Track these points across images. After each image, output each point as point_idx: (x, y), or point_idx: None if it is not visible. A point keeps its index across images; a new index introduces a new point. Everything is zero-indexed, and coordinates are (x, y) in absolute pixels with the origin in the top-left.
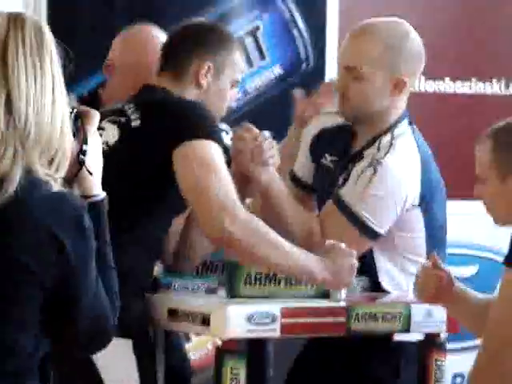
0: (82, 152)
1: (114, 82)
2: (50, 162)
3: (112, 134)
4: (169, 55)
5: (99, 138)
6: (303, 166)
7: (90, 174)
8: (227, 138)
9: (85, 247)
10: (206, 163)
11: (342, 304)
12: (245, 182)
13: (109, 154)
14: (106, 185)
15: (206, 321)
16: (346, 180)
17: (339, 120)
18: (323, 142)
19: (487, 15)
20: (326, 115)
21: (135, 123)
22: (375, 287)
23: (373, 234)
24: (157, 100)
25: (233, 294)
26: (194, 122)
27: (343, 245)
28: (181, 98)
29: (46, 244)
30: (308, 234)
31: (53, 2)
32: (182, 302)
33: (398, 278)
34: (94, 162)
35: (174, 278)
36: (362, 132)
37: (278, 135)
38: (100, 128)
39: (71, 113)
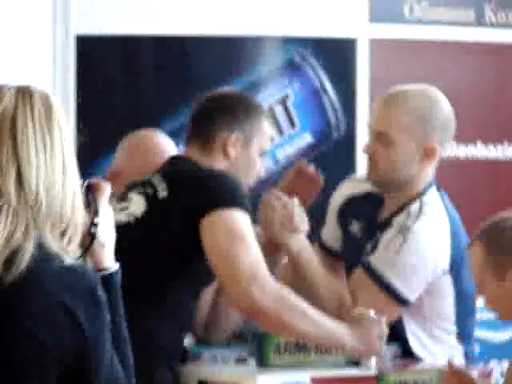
0: (94, 224)
1: (119, 189)
2: (62, 234)
3: (139, 205)
4: (196, 125)
5: (111, 210)
6: (331, 233)
7: (103, 246)
8: None
9: (99, 320)
10: (234, 232)
11: (373, 372)
12: (273, 250)
13: (136, 225)
14: (132, 257)
15: None
16: (374, 247)
17: (367, 187)
18: (351, 209)
19: None
20: (354, 182)
21: (162, 194)
22: (406, 354)
23: (403, 301)
24: (184, 170)
25: (263, 363)
26: (221, 192)
27: (372, 312)
28: (209, 168)
29: (59, 318)
30: (339, 303)
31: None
32: (212, 372)
33: (427, 344)
34: (106, 234)
35: (204, 348)
36: (391, 199)
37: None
38: (127, 199)
39: (82, 184)
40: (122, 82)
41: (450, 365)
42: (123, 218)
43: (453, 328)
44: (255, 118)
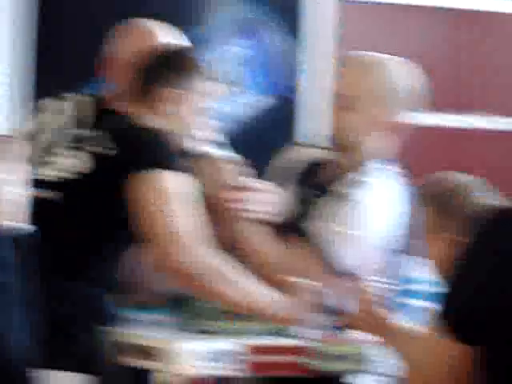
0: None
1: (115, 77)
2: None
3: (70, 160)
4: (133, 80)
5: (27, 168)
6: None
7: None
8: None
9: None
10: (162, 192)
11: (301, 342)
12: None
13: (64, 181)
14: (60, 213)
15: (159, 357)
16: (318, 215)
17: (314, 153)
18: (310, 176)
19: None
20: (303, 148)
21: (95, 149)
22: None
23: (341, 268)
24: (117, 128)
25: (188, 328)
26: (151, 153)
27: (305, 281)
28: (141, 127)
29: None
30: (280, 269)
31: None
32: (138, 336)
33: None
34: (7, 191)
35: (130, 311)
36: (339, 167)
37: (258, 163)
38: (56, 154)
39: None
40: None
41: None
42: (49, 172)
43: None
44: (194, 75)
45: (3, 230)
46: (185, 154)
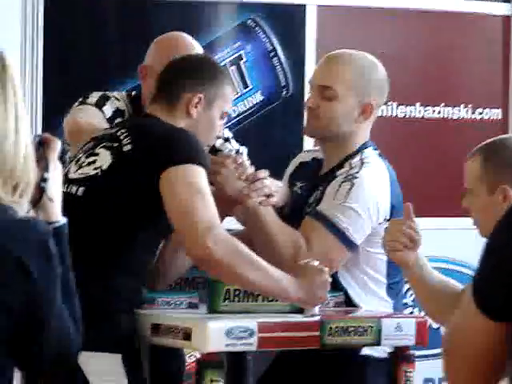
0: (44, 179)
1: (150, 84)
2: (14, 189)
3: (105, 158)
4: (162, 84)
5: (60, 165)
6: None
7: (51, 201)
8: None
9: (51, 272)
10: (193, 186)
11: (316, 319)
12: (226, 205)
13: (102, 178)
14: (98, 207)
15: (187, 336)
16: (319, 200)
17: (316, 154)
18: (298, 173)
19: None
20: (307, 152)
21: (126, 148)
22: (348, 303)
23: (351, 243)
24: (148, 125)
25: (213, 309)
26: (181, 148)
27: (316, 262)
28: (170, 125)
29: (12, 270)
30: (294, 251)
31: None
32: (165, 317)
33: (360, 294)
34: (55, 189)
35: (157, 293)
36: (329, 157)
37: (258, 159)
38: (95, 154)
39: (33, 140)
40: (87, 41)
41: (407, 207)
42: (91, 171)
43: (383, 280)
44: (219, 82)
45: (59, 225)
46: (212, 151)
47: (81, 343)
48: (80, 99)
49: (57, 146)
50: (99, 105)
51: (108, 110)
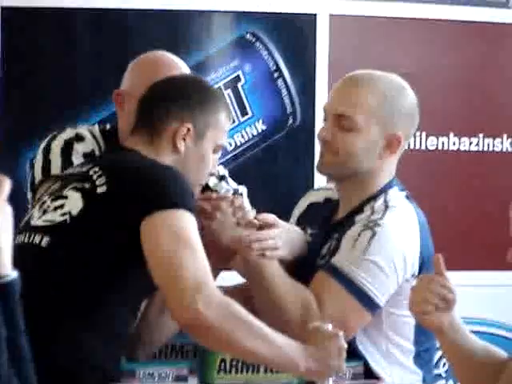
0: None
1: (128, 113)
2: None
3: (75, 203)
4: (144, 112)
5: (9, 210)
6: None
7: None
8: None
9: None
10: (179, 236)
11: None
12: (220, 257)
13: (72, 226)
14: (67, 260)
15: None
16: (334, 251)
17: (329, 194)
18: (308, 216)
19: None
20: (318, 190)
21: (101, 189)
22: (368, 374)
23: (373, 304)
24: (126, 162)
25: (206, 383)
26: (166, 190)
27: (330, 326)
28: (154, 162)
29: None
30: (304, 311)
31: None
32: None
33: (383, 364)
34: (4, 237)
35: (138, 364)
36: (347, 198)
37: (261, 199)
38: (62, 197)
39: None
40: (55, 60)
41: (438, 259)
42: (58, 218)
43: (410, 348)
44: (211, 108)
45: (6, 281)
46: (203, 190)
47: None
48: (44, 144)
49: (5, 188)
50: (64, 155)
51: (75, 160)
